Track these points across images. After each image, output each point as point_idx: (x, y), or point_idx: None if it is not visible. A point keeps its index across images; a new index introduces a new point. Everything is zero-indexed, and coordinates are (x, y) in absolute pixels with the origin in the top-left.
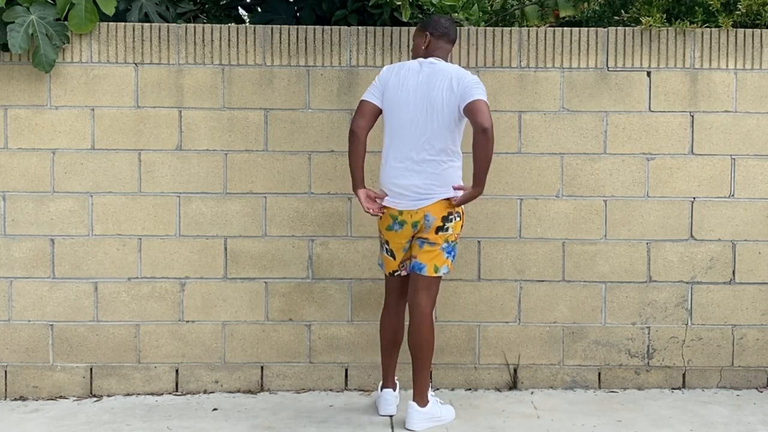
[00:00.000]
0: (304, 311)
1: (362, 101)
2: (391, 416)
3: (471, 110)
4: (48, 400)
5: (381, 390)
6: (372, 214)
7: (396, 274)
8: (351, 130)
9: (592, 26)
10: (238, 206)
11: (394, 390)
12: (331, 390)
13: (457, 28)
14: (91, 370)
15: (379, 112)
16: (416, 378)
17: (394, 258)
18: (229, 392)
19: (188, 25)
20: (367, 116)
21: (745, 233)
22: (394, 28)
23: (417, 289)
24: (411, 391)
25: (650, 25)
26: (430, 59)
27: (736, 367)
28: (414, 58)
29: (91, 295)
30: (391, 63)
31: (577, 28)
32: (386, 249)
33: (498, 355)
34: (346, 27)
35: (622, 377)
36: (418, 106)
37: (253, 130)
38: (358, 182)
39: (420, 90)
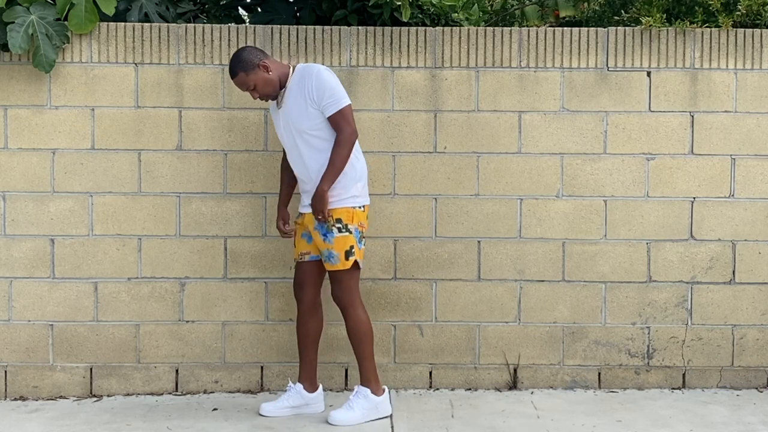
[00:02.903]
0: None
1: (349, 105)
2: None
3: None
4: (48, 400)
5: (380, 393)
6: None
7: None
8: (356, 131)
9: (592, 26)
10: (238, 206)
11: None
12: (331, 390)
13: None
14: (91, 370)
15: None
16: None
17: None
18: (229, 392)
19: (188, 25)
20: None
21: (745, 233)
22: (394, 28)
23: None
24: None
25: (650, 25)
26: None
27: (736, 367)
28: (278, 88)
29: (91, 295)
30: (391, 63)
31: (577, 28)
32: (364, 241)
33: (498, 355)
34: (346, 27)
35: (622, 377)
36: None
37: (253, 130)
38: None
39: None
